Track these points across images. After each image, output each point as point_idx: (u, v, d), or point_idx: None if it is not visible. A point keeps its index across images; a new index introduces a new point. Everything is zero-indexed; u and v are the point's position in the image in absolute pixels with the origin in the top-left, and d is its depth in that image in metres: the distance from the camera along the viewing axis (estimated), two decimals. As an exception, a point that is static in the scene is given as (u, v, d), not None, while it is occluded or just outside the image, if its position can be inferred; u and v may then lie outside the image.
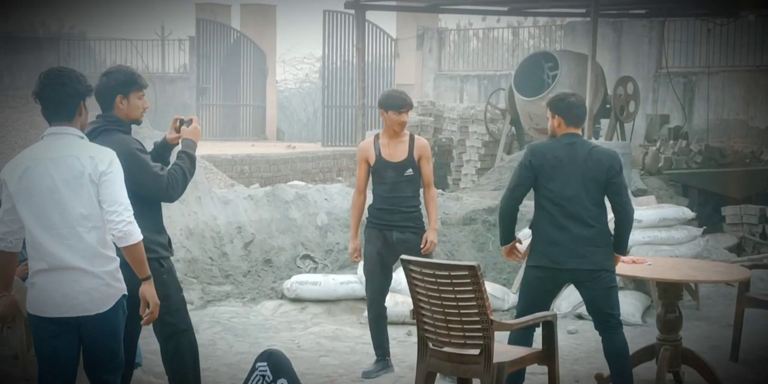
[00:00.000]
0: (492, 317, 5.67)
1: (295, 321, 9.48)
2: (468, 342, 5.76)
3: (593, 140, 11.70)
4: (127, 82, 5.78)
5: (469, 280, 5.61)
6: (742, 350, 8.12)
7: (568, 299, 9.54)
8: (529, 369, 6.59)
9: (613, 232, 6.54)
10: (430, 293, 5.78)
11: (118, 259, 5.04)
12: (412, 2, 18.46)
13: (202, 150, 9.82)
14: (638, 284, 9.85)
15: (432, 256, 7.55)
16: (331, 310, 9.77)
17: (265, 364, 5.39)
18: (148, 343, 6.98)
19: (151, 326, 5.53)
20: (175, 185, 5.77)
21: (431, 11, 20.25)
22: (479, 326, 5.67)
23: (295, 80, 34.49)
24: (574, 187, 6.40)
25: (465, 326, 5.72)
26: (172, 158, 6.01)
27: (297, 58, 33.98)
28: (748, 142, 18.01)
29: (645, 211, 10.05)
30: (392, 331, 8.06)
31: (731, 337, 8.19)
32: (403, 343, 8.58)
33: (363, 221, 7.92)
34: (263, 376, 5.36)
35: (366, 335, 8.30)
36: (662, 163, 14.79)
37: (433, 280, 5.73)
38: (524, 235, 7.37)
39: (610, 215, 6.55)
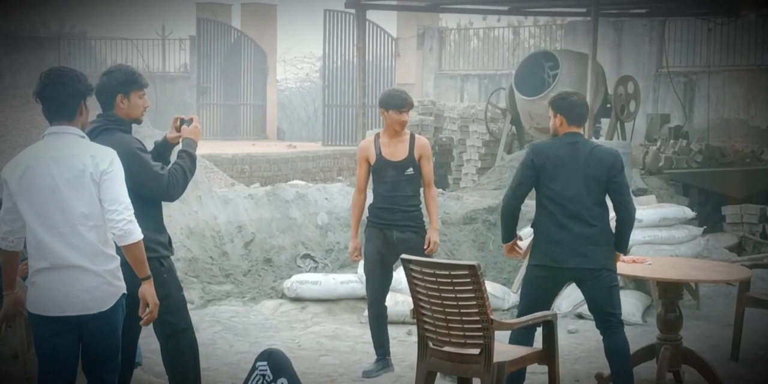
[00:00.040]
0: (492, 317, 5.67)
1: (296, 320, 9.48)
2: (468, 341, 5.76)
3: (594, 140, 11.70)
4: (128, 82, 5.79)
5: (469, 280, 5.62)
6: (742, 350, 8.13)
7: (569, 299, 9.54)
8: (530, 368, 6.59)
9: (614, 230, 6.55)
10: (430, 293, 5.78)
11: (119, 257, 5.04)
12: (412, 2, 18.44)
13: (203, 149, 9.81)
14: (638, 284, 9.85)
15: (432, 256, 7.56)
16: (332, 310, 9.77)
17: (265, 363, 5.39)
18: (149, 342, 6.98)
19: (151, 325, 5.53)
20: (175, 184, 5.77)
21: (432, 11, 20.24)
22: (479, 326, 5.68)
23: (295, 79, 34.50)
24: (575, 186, 6.40)
25: (465, 326, 5.72)
26: (173, 157, 6.02)
27: (297, 58, 34.00)
28: (749, 142, 18.01)
29: (645, 210, 10.05)
30: (392, 331, 8.06)
31: (731, 336, 8.19)
32: (404, 343, 8.58)
33: (363, 221, 7.92)
34: (263, 376, 5.36)
35: (366, 334, 8.30)
36: (663, 163, 14.79)
37: (434, 279, 5.73)
38: (526, 234, 7.37)
39: (612, 214, 6.55)
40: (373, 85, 22.44)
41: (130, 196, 5.01)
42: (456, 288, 5.66)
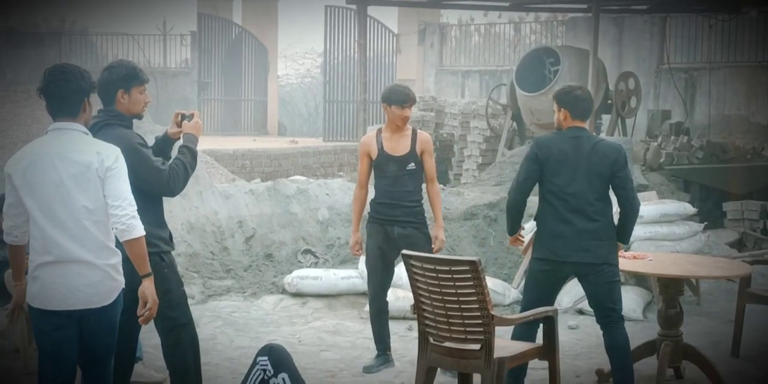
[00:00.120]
0: (493, 312, 5.68)
1: (296, 315, 9.48)
2: (469, 337, 5.77)
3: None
4: (129, 77, 5.79)
5: (470, 276, 5.62)
6: (743, 346, 8.13)
7: (570, 294, 9.55)
8: (530, 364, 6.60)
9: (616, 223, 6.55)
10: (431, 288, 5.79)
11: (120, 252, 5.06)
12: (413, -3, 18.45)
13: (204, 145, 9.82)
14: (639, 280, 9.85)
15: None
16: (332, 305, 9.77)
17: (266, 358, 5.39)
18: (149, 337, 6.99)
19: (152, 320, 5.53)
20: (176, 180, 5.77)
21: (433, 7, 20.25)
22: (480, 321, 5.68)
23: (296, 75, 34.50)
24: (578, 181, 6.40)
25: (466, 321, 5.73)
26: (174, 153, 6.02)
27: (298, 53, 34.02)
28: (750, 138, 17.98)
29: (646, 206, 10.05)
30: (393, 326, 8.06)
31: (732, 332, 8.20)
32: (404, 338, 8.59)
33: (365, 216, 7.92)
34: (264, 371, 5.36)
35: (367, 330, 8.31)
36: (663, 159, 14.78)
37: (434, 275, 5.74)
38: (528, 227, 7.39)
39: (615, 208, 6.55)
40: (373, 81, 22.45)
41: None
42: (457, 284, 5.67)
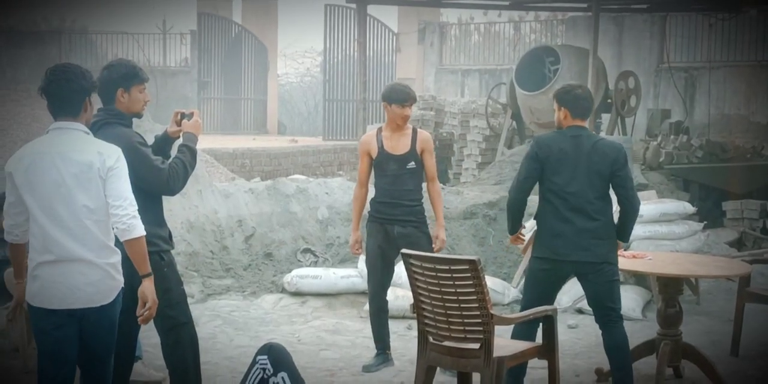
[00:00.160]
0: (492, 311, 5.68)
1: (296, 315, 9.49)
2: (468, 336, 5.77)
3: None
4: (129, 76, 5.80)
5: (469, 275, 5.62)
6: (742, 345, 8.13)
7: (569, 293, 9.55)
8: (530, 363, 6.60)
9: (616, 221, 6.55)
10: (430, 287, 5.79)
11: (120, 251, 5.07)
12: (413, -4, 18.45)
13: (203, 143, 9.82)
14: (639, 279, 9.85)
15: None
16: (332, 304, 9.77)
17: (265, 357, 5.39)
18: (149, 336, 6.99)
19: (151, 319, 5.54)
20: (176, 178, 5.77)
21: (433, 5, 20.23)
22: (479, 320, 5.68)
23: (296, 74, 34.48)
24: (578, 180, 6.40)
25: (465, 320, 5.73)
26: (173, 152, 6.02)
27: (298, 52, 33.99)
28: (749, 137, 17.99)
29: (646, 205, 10.03)
30: (393, 325, 8.06)
31: (731, 332, 8.20)
32: (404, 337, 8.59)
33: (365, 215, 7.92)
34: (264, 370, 5.36)
35: (366, 329, 8.31)
36: (663, 158, 14.78)
37: (434, 274, 5.74)
38: (529, 226, 7.38)
39: (615, 207, 6.55)
40: (373, 80, 22.43)
41: (131, 191, 5.04)
42: (456, 283, 5.67)
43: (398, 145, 7.57)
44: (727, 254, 11.02)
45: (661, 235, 10.14)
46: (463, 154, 18.52)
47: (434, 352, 5.97)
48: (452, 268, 5.68)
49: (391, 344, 7.88)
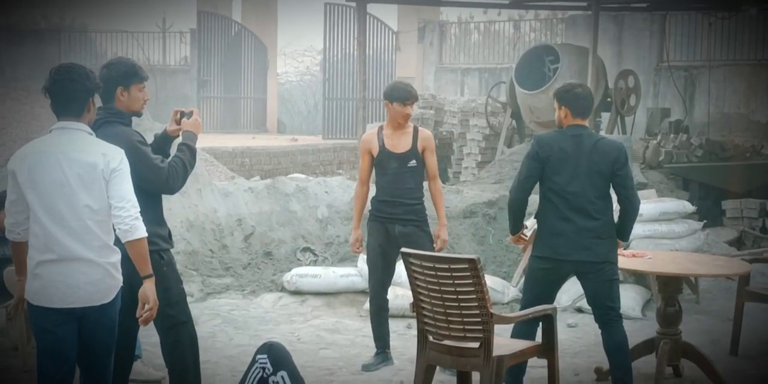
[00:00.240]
0: (492, 310, 5.67)
1: (295, 313, 9.48)
2: (468, 335, 5.77)
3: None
4: (128, 74, 5.80)
5: (469, 274, 5.62)
6: (741, 344, 8.13)
7: (569, 292, 9.55)
8: (530, 362, 6.60)
9: (616, 220, 6.55)
10: (430, 286, 5.78)
11: (120, 250, 5.07)
12: (413, -5, 18.43)
13: (203, 142, 9.82)
14: (638, 278, 9.85)
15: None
16: (331, 303, 9.77)
17: (265, 356, 5.39)
18: (148, 335, 6.99)
19: (151, 318, 5.54)
20: (175, 177, 5.77)
21: (432, 4, 20.22)
22: (479, 319, 5.68)
23: (296, 73, 34.48)
24: (579, 180, 6.39)
25: (465, 319, 5.72)
26: (173, 150, 6.02)
27: (298, 51, 33.99)
28: (749, 136, 17.98)
29: (645, 204, 10.04)
30: (392, 324, 8.05)
31: (731, 331, 8.20)
32: (403, 336, 8.59)
33: (366, 214, 7.92)
34: (263, 369, 5.36)
35: (366, 328, 8.31)
36: (663, 157, 14.78)
37: (433, 273, 5.73)
38: (530, 224, 7.38)
39: (616, 206, 6.54)
40: (373, 79, 22.43)
41: (130, 190, 5.05)
42: (456, 282, 5.66)
43: (399, 144, 7.57)
44: (727, 253, 11.02)
45: (661, 234, 10.14)
46: (462, 153, 18.51)
47: (434, 351, 5.97)
48: (452, 267, 5.68)
49: (391, 343, 7.88)
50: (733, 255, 10.45)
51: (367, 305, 8.03)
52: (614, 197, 6.56)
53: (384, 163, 7.60)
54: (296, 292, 9.92)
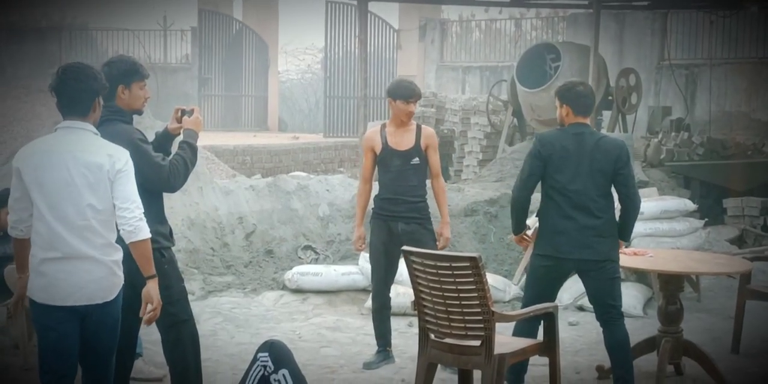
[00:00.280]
0: (493, 309, 5.67)
1: (297, 312, 9.48)
2: (469, 333, 5.77)
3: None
4: (129, 72, 5.80)
5: (470, 272, 5.62)
6: (743, 342, 8.13)
7: (570, 291, 9.55)
8: (531, 360, 6.60)
9: (618, 219, 6.54)
10: (431, 284, 5.78)
11: (122, 248, 5.08)
12: (414, -7, 18.41)
13: (204, 140, 9.80)
14: (639, 276, 9.85)
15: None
16: (332, 301, 9.77)
17: (266, 354, 5.39)
18: (149, 333, 6.98)
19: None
20: (176, 175, 5.78)
21: (434, 2, 20.17)
22: (480, 317, 5.68)
23: (297, 71, 34.45)
24: (581, 178, 6.39)
25: (466, 317, 5.72)
26: (174, 148, 6.02)
27: (299, 49, 33.96)
28: (750, 135, 17.97)
29: (647, 203, 10.03)
30: (393, 322, 8.05)
31: (732, 329, 8.20)
32: (405, 334, 8.59)
33: (369, 212, 7.91)
34: (264, 367, 5.36)
35: (367, 326, 8.30)
36: (664, 155, 14.77)
37: (435, 271, 5.73)
38: (532, 223, 7.38)
39: (617, 204, 6.54)
40: (374, 77, 22.42)
41: (131, 188, 5.06)
42: (457, 280, 5.66)
43: (402, 141, 7.56)
44: (728, 251, 11.02)
45: (662, 233, 10.14)
46: (464, 151, 18.50)
47: (435, 350, 5.97)
48: (453, 265, 5.68)
49: (392, 341, 7.88)
50: (735, 253, 10.45)
51: (368, 303, 8.03)
52: (615, 196, 6.56)
53: (387, 161, 7.59)
54: (297, 291, 9.91)
